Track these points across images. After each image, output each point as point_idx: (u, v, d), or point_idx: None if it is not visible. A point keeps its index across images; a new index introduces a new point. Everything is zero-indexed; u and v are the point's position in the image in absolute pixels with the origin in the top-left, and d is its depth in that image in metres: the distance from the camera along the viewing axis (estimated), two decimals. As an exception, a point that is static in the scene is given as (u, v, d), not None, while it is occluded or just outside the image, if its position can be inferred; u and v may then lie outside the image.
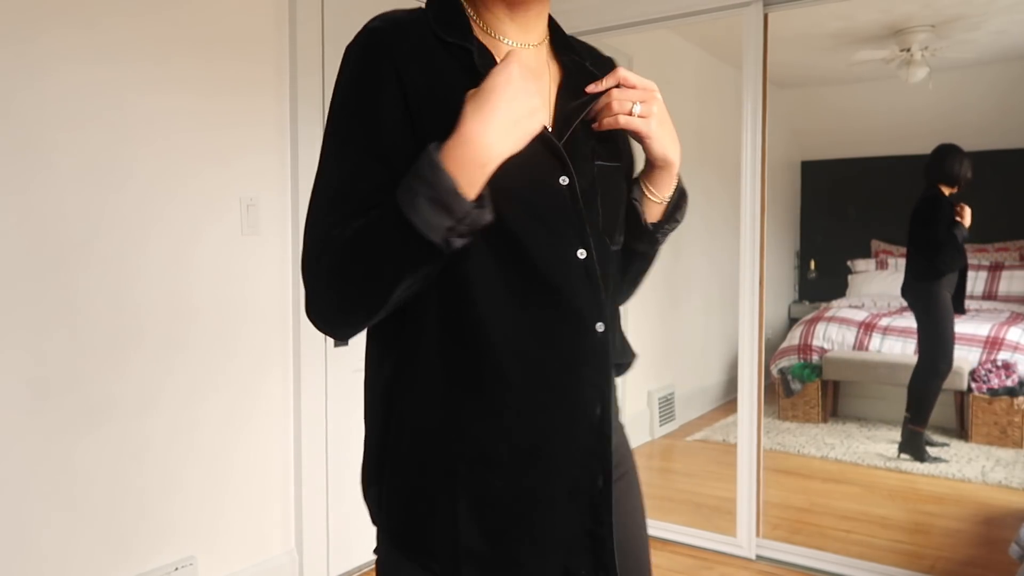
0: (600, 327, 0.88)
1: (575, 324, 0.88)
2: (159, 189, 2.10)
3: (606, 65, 1.02)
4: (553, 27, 1.00)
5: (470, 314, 0.86)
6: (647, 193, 0.98)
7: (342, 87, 0.90)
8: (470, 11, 0.94)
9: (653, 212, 0.99)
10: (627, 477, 1.04)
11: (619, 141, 1.00)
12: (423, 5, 0.96)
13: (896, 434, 3.95)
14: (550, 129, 0.90)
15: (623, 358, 1.05)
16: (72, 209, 1.92)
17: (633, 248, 1.01)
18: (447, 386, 0.88)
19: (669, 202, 0.99)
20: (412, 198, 0.77)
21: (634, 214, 0.98)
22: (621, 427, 1.04)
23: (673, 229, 1.02)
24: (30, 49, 1.83)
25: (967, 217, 3.73)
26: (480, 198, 0.79)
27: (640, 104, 0.90)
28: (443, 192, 0.76)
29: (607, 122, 0.91)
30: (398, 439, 0.90)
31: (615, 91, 0.91)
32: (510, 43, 0.94)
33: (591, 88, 0.92)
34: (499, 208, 0.82)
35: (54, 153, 1.88)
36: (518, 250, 0.85)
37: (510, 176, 0.82)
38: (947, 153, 3.73)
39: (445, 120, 0.81)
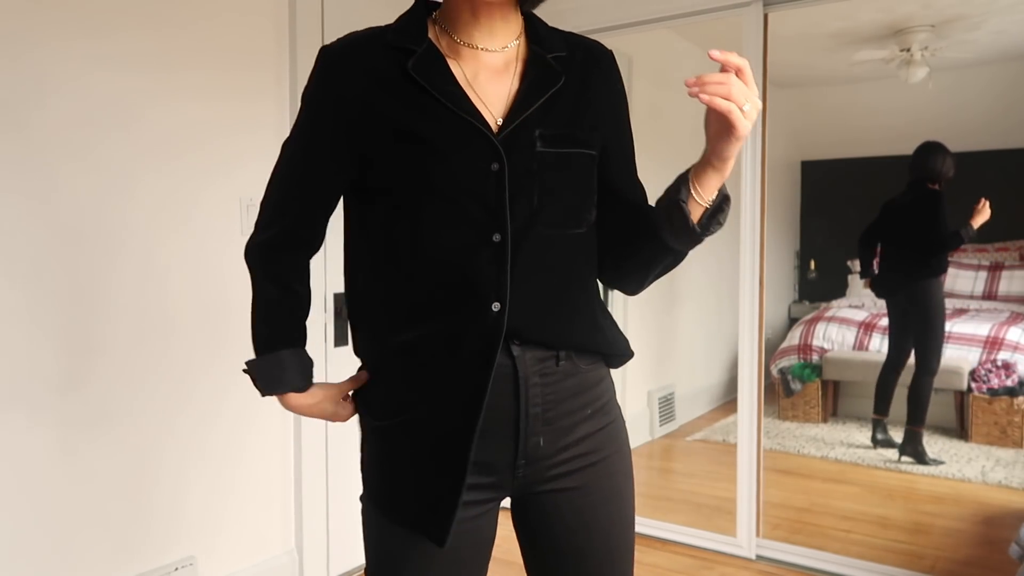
0: (496, 306, 0.97)
1: (471, 301, 0.97)
2: (162, 189, 2.10)
3: (590, 53, 1.09)
4: (530, 24, 1.07)
5: (393, 284, 1.02)
6: (693, 194, 0.96)
7: (302, 101, 1.07)
8: (442, 21, 1.04)
9: (694, 213, 0.97)
10: (607, 462, 1.08)
11: (590, 130, 1.04)
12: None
13: (896, 433, 3.95)
14: (501, 120, 0.99)
15: (609, 348, 1.09)
16: (77, 210, 1.92)
17: (668, 245, 1.01)
18: (379, 340, 1.07)
19: (711, 205, 0.97)
20: (260, 361, 1.09)
21: (678, 214, 0.97)
22: (610, 411, 1.10)
23: (715, 231, 1.00)
24: (41, 59, 1.83)
25: (982, 216, 3.75)
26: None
27: (749, 105, 0.88)
28: (261, 382, 1.09)
29: (718, 104, 0.87)
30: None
31: (735, 80, 0.87)
32: (478, 47, 1.02)
33: (714, 54, 0.88)
34: (422, 201, 0.97)
35: (61, 155, 1.89)
36: (428, 234, 0.98)
37: (442, 167, 0.96)
38: (933, 150, 3.75)
39: (376, 122, 0.99)
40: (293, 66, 2.41)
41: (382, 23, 1.07)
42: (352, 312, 1.10)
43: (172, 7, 2.11)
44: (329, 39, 2.50)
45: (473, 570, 1.09)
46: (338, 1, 2.52)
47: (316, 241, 1.12)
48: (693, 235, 0.98)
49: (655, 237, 1.01)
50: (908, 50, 4.15)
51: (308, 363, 1.12)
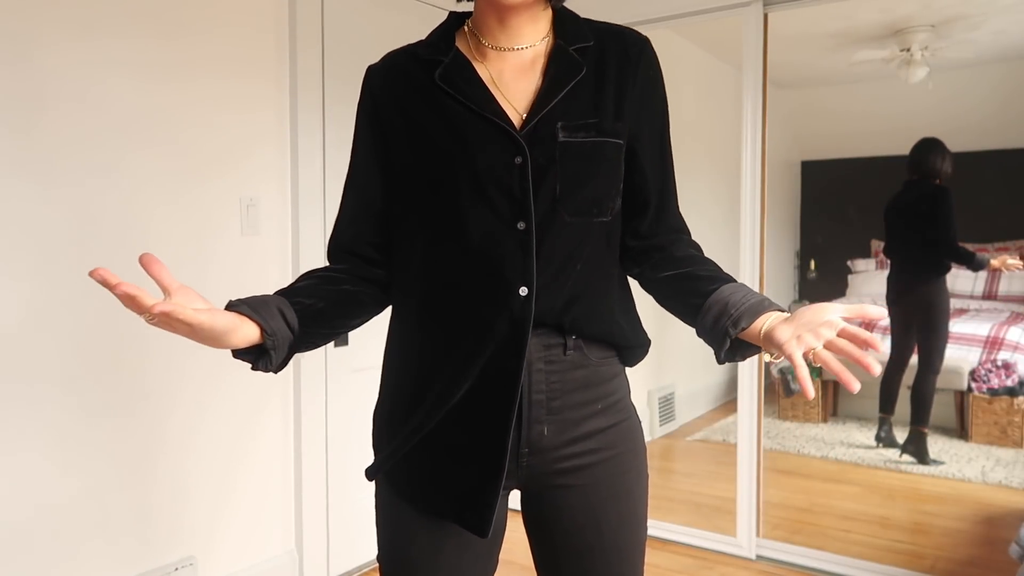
0: (524, 291, 0.99)
1: (499, 286, 1.00)
2: (163, 189, 2.10)
3: (621, 41, 1.09)
4: (559, 19, 1.09)
5: (429, 276, 1.04)
6: (739, 333, 0.99)
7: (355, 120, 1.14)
8: (472, 27, 1.09)
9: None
10: (618, 460, 1.09)
11: (615, 119, 1.05)
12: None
13: (898, 432, 3.95)
14: (524, 115, 1.03)
15: (624, 340, 1.11)
16: (78, 210, 1.93)
17: (697, 333, 1.09)
18: (401, 337, 1.10)
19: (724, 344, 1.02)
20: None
21: (721, 337, 1.02)
22: (623, 409, 1.11)
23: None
24: (45, 62, 1.83)
25: (1004, 267, 3.84)
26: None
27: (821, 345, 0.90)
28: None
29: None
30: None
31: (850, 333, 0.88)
32: (503, 48, 1.06)
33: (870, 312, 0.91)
34: (454, 197, 1.01)
35: (62, 157, 1.89)
36: (458, 226, 1.01)
37: (470, 164, 1.00)
38: (933, 147, 3.76)
39: (411, 127, 1.05)
40: (293, 72, 2.42)
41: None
42: (393, 307, 1.13)
43: (175, 13, 2.11)
44: (329, 47, 2.54)
45: (482, 555, 1.09)
46: (338, 9, 2.52)
47: (378, 259, 1.11)
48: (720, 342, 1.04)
49: (689, 316, 1.10)
50: (908, 50, 4.15)
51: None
